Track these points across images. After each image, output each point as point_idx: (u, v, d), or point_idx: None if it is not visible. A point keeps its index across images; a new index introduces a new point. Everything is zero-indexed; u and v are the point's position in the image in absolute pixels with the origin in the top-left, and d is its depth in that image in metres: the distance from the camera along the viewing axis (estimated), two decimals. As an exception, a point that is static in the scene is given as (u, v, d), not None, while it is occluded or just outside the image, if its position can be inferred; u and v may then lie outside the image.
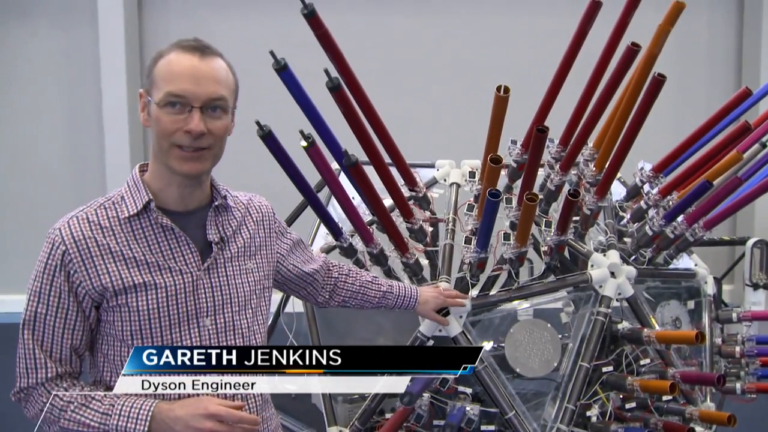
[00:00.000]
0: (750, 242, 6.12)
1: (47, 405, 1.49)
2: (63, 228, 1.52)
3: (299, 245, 1.92)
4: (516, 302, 2.43)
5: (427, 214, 2.44)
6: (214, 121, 1.53)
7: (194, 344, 1.56)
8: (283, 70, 1.91)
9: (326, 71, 1.91)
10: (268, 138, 2.01)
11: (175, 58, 1.51)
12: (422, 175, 2.53)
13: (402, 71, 6.83)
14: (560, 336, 2.33)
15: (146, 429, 1.45)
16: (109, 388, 1.56)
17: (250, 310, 1.66)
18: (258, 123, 2.00)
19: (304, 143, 2.03)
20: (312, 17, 1.88)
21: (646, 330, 2.24)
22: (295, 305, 2.60)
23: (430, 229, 2.42)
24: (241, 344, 1.62)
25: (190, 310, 1.56)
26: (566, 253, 2.55)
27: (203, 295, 1.57)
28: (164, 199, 1.58)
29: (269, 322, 1.81)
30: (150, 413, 1.46)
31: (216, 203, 1.64)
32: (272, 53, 1.89)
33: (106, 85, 6.88)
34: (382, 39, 6.84)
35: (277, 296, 2.68)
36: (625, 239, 2.59)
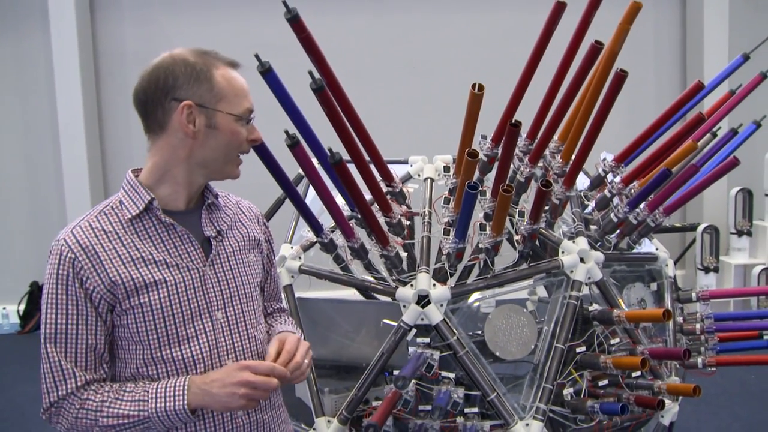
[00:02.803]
0: (700, 228, 6.41)
1: (80, 410, 1.51)
2: (68, 237, 1.54)
3: (273, 267, 1.94)
4: (477, 294, 2.55)
5: (404, 208, 2.52)
6: None
7: (208, 338, 1.61)
8: (267, 73, 1.97)
9: (310, 73, 1.98)
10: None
11: (232, 73, 1.63)
12: (396, 171, 2.62)
13: (367, 70, 6.90)
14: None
15: (185, 403, 1.50)
16: None
17: (255, 301, 1.73)
18: (243, 124, 2.06)
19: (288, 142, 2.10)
20: (295, 22, 1.94)
21: (615, 311, 2.37)
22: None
23: (407, 222, 2.51)
24: (251, 335, 1.69)
25: (202, 305, 1.61)
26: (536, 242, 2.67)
27: (212, 289, 1.63)
28: (171, 200, 1.63)
29: None
30: (186, 386, 1.51)
31: (208, 201, 1.70)
32: (257, 56, 1.95)
33: (60, 92, 6.79)
34: (347, 39, 6.90)
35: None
36: (591, 226, 2.72)
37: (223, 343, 1.63)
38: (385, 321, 2.51)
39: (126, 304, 1.54)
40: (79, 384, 1.52)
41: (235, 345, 1.65)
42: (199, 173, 1.64)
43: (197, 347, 1.59)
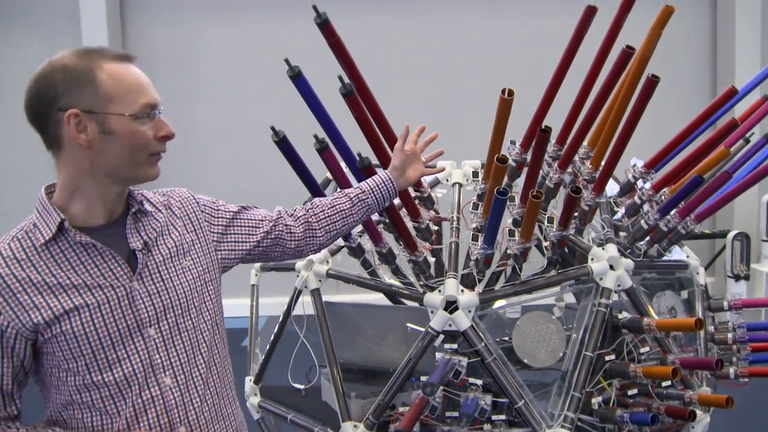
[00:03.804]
0: (730, 235, 6.31)
1: None
2: None
3: (236, 219, 1.82)
4: (501, 302, 2.53)
5: (432, 213, 2.52)
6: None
7: (141, 357, 1.53)
8: (297, 78, 1.98)
9: (340, 77, 1.99)
10: (283, 143, 2.08)
11: (121, 69, 1.48)
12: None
13: (394, 74, 6.90)
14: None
15: None
16: (65, 421, 1.54)
17: (194, 309, 1.63)
18: (273, 128, 2.08)
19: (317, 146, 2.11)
20: (325, 26, 1.95)
21: (646, 319, 2.34)
22: (305, 306, 2.67)
23: (435, 227, 2.51)
24: (189, 347, 1.60)
25: (131, 324, 1.52)
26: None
27: (142, 305, 1.54)
28: (87, 216, 1.53)
29: (223, 314, 1.76)
30: None
31: (133, 210, 1.59)
32: (287, 61, 1.96)
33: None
34: (374, 42, 6.90)
35: (286, 297, 2.77)
36: (620, 233, 2.69)
37: (159, 360, 1.55)
38: (410, 325, 2.50)
39: (48, 334, 1.46)
40: None
41: (172, 360, 1.57)
42: (109, 183, 1.52)
43: (129, 368, 1.52)
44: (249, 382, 2.99)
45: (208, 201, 1.80)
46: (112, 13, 6.95)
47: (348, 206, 1.94)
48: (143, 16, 7.19)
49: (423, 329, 2.29)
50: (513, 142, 2.58)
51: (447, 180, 2.69)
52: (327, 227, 1.93)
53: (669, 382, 2.34)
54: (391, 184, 1.99)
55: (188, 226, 1.70)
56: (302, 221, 1.91)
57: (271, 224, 1.85)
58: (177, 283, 1.61)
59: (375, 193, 1.97)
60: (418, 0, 7.17)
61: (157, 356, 1.55)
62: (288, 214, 1.91)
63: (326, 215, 1.92)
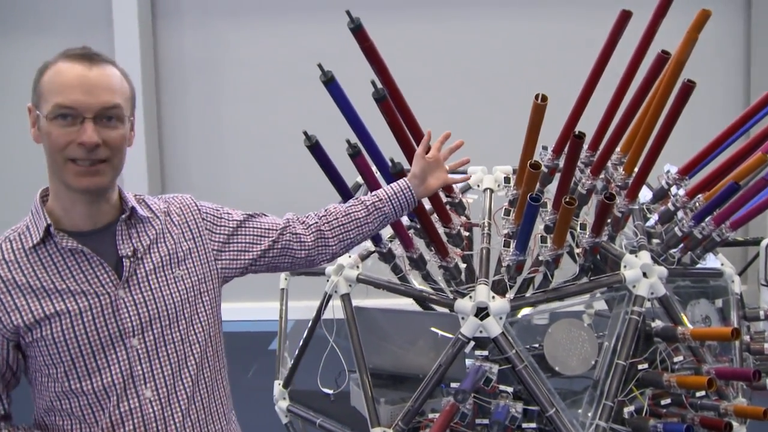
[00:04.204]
0: (764, 242, 6.17)
1: None
2: None
3: (241, 228, 1.75)
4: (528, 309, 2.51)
5: (464, 218, 2.51)
6: (109, 131, 1.45)
7: (122, 368, 1.49)
8: (330, 83, 1.98)
9: (373, 82, 1.99)
10: (315, 148, 2.08)
11: (63, 67, 1.43)
12: (454, 181, 2.60)
13: (425, 79, 6.87)
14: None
15: None
16: (47, 426, 1.53)
17: (184, 320, 1.58)
18: (305, 133, 2.08)
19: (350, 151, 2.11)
20: (358, 31, 1.95)
21: (680, 328, 2.31)
22: (335, 311, 2.67)
23: (466, 233, 2.49)
24: (175, 359, 1.55)
25: (113, 333, 1.49)
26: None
27: (126, 314, 1.50)
28: (71, 220, 1.50)
29: (221, 326, 1.71)
30: None
31: (124, 216, 1.55)
32: (320, 66, 1.96)
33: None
34: (404, 47, 6.88)
35: (317, 302, 2.78)
36: (653, 240, 2.65)
37: (140, 372, 1.51)
38: (434, 330, 2.49)
39: (28, 338, 1.45)
40: None
41: (155, 373, 1.53)
42: (65, 188, 1.48)
43: (109, 378, 1.48)
44: (278, 385, 3.00)
45: (211, 208, 1.74)
46: (144, 19, 7.05)
47: (363, 214, 1.86)
48: (174, 21, 7.28)
49: (444, 333, 2.28)
50: (545, 148, 2.56)
51: (478, 185, 2.67)
52: (340, 236, 1.84)
53: (703, 393, 2.30)
54: (409, 192, 1.90)
55: (186, 233, 1.65)
56: (314, 229, 1.82)
57: (278, 233, 1.78)
58: (166, 292, 1.56)
59: (392, 201, 1.88)
60: (448, 5, 7.15)
61: (139, 367, 1.51)
62: (299, 222, 1.83)
63: (340, 223, 1.84)
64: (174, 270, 1.58)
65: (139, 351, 1.51)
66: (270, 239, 1.76)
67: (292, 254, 1.79)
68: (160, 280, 1.56)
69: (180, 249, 1.62)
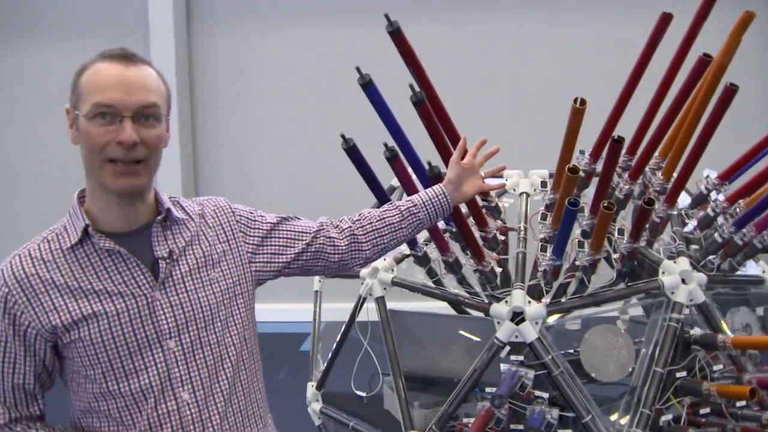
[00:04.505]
0: (805, 250, 6.06)
1: None
2: (5, 268, 1.46)
3: (274, 231, 1.73)
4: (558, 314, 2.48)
5: (500, 223, 2.50)
6: (147, 130, 1.45)
7: (159, 369, 1.49)
8: (368, 86, 1.98)
9: (411, 86, 1.99)
10: (353, 151, 2.09)
11: (102, 67, 1.44)
12: (490, 185, 2.59)
13: (461, 82, 6.82)
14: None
15: None
16: (83, 428, 1.53)
17: (219, 323, 1.57)
18: (342, 136, 2.09)
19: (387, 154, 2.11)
20: (397, 34, 1.95)
21: (720, 336, 2.27)
22: (369, 313, 2.68)
23: (502, 237, 2.48)
24: (211, 362, 1.55)
25: (150, 334, 1.49)
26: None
27: (162, 316, 1.50)
28: (107, 221, 1.51)
29: (255, 329, 1.70)
30: None
31: (160, 217, 1.55)
32: (358, 69, 1.97)
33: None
34: (441, 51, 6.84)
35: (350, 304, 2.78)
36: (692, 246, 2.62)
37: (177, 374, 1.50)
38: (462, 333, 2.48)
39: (66, 339, 1.45)
40: (1, 422, 1.47)
41: (192, 375, 1.52)
42: (101, 190, 1.49)
43: (146, 380, 1.48)
44: (311, 387, 3.01)
45: (245, 211, 1.73)
46: (179, 23, 7.14)
47: (398, 219, 1.83)
48: (208, 25, 7.34)
49: (472, 337, 2.26)
50: (582, 152, 2.55)
51: (514, 189, 2.66)
52: (374, 240, 1.82)
53: (744, 402, 2.26)
54: (444, 198, 1.86)
55: (220, 236, 1.64)
56: (347, 233, 1.80)
57: (311, 236, 1.76)
58: (202, 294, 1.55)
59: (427, 207, 1.85)
60: (485, 8, 7.12)
61: (176, 370, 1.50)
62: (333, 226, 1.81)
63: (374, 228, 1.82)
64: (209, 272, 1.58)
65: (176, 353, 1.50)
66: (303, 242, 1.75)
67: (325, 258, 1.78)
68: (195, 282, 1.55)
69: (215, 251, 1.61)
